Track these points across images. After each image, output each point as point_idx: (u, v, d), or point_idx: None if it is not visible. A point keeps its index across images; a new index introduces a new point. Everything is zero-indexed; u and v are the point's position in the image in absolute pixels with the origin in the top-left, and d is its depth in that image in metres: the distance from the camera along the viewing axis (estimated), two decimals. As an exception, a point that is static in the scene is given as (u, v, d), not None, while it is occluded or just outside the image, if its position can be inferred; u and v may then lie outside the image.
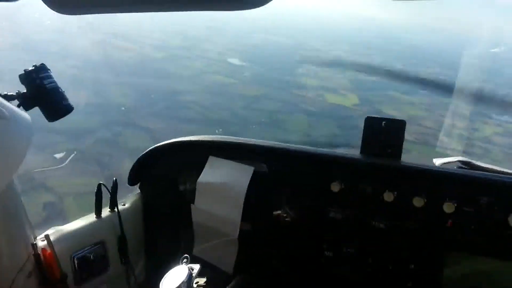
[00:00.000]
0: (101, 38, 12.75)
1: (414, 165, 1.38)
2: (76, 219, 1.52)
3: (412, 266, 1.37)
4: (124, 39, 13.03)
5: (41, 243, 1.33)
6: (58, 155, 6.42)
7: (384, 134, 1.41)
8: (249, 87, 10.55)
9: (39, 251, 1.29)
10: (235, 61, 12.31)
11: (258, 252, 1.61)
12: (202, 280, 1.15)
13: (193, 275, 1.09)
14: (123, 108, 8.55)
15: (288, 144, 1.56)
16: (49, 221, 4.77)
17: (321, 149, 1.54)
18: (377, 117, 1.42)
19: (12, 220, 1.24)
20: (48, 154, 6.41)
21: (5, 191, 1.15)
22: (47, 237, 1.32)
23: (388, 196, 1.34)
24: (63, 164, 6.18)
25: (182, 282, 1.05)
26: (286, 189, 1.52)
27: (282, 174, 1.53)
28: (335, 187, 1.40)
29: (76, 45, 11.97)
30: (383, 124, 1.41)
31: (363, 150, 1.45)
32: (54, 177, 5.97)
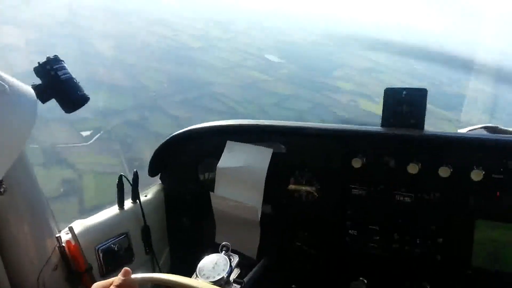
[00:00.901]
0: (142, 24, 12.93)
1: (438, 134, 1.32)
2: (98, 211, 1.52)
3: (440, 239, 1.32)
4: (164, 26, 13.15)
5: (65, 236, 1.34)
6: (84, 133, 6.50)
7: (405, 104, 1.35)
8: (283, 85, 10.44)
9: (64, 244, 1.29)
10: (272, 57, 12.20)
11: (281, 234, 1.58)
12: (236, 271, 1.06)
13: (233, 266, 1.03)
14: (153, 94, 8.61)
15: (306, 123, 1.53)
16: (65, 197, 4.86)
17: (340, 125, 1.50)
18: (397, 88, 1.37)
19: (37, 214, 1.24)
20: (75, 130, 6.51)
21: (28, 185, 1.19)
22: (71, 229, 1.33)
23: (413, 168, 1.29)
24: (88, 143, 6.26)
25: (224, 274, 0.99)
26: (306, 169, 1.49)
27: (302, 153, 1.50)
28: (357, 163, 1.36)
29: (118, 28, 12.14)
30: (403, 95, 1.35)
31: (384, 123, 1.40)
32: (77, 154, 6.05)
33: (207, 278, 0.97)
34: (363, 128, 1.42)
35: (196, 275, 0.99)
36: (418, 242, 1.35)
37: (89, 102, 1.12)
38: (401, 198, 1.35)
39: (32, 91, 0.65)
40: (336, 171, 1.43)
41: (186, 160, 1.72)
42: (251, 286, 1.27)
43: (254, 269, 1.38)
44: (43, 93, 1.03)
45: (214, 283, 0.96)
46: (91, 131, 6.59)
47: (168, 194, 1.78)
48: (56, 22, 10.63)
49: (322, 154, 1.46)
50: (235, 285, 0.99)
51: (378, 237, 1.41)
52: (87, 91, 1.11)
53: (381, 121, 1.40)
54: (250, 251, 1.56)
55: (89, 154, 6.09)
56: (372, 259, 1.44)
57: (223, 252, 1.06)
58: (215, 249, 1.62)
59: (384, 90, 1.38)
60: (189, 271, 1.08)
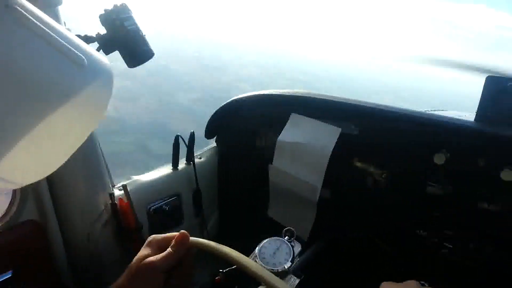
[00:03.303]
0: (230, 79, 12.99)
1: None
2: (152, 170, 1.48)
3: None
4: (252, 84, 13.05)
5: (117, 192, 1.31)
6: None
7: (509, 98, 1.14)
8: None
9: (116, 201, 1.26)
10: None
11: (338, 219, 1.46)
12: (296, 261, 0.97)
13: (295, 255, 0.93)
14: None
15: (384, 104, 1.34)
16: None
17: (427, 112, 1.31)
18: (500, 77, 1.15)
19: (91, 169, 1.21)
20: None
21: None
22: (124, 187, 1.29)
23: (507, 175, 1.08)
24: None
25: (287, 265, 0.89)
26: (377, 156, 1.33)
27: (374, 138, 1.32)
28: (439, 158, 1.17)
29: (205, 83, 12.26)
30: (508, 86, 1.14)
31: (479, 117, 1.19)
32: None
33: (267, 264, 0.89)
34: (454, 120, 1.22)
35: (256, 257, 0.91)
36: (500, 256, 1.16)
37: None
38: (485, 206, 1.15)
39: (109, 64, 0.58)
40: (412, 163, 1.26)
41: (245, 125, 1.62)
42: (302, 270, 1.18)
43: (306, 253, 1.29)
44: (107, 44, 0.96)
45: (275, 272, 0.87)
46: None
47: (222, 159, 1.72)
48: (147, 72, 10.66)
49: (399, 142, 1.28)
50: (294, 277, 0.90)
51: (449, 243, 1.24)
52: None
53: (476, 114, 1.19)
54: (302, 231, 1.46)
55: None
56: (438, 263, 1.29)
57: (286, 237, 0.96)
58: (266, 222, 1.58)
59: (486, 78, 1.17)
60: (237, 240, 1.02)
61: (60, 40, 0.50)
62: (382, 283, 0.80)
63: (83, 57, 0.52)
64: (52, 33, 0.49)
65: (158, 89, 10.06)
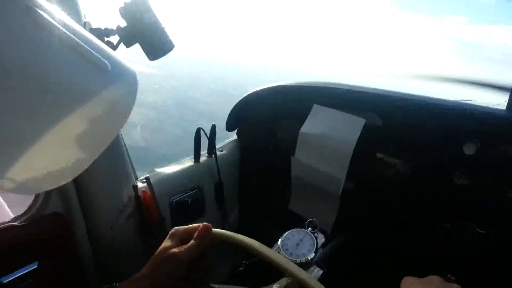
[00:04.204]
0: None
1: None
2: (175, 163, 1.48)
3: None
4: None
5: (141, 184, 1.32)
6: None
7: None
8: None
9: (140, 194, 1.27)
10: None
11: (361, 212, 1.43)
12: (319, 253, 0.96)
13: (318, 246, 0.92)
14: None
15: (410, 94, 1.30)
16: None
17: (452, 100, 1.25)
18: None
19: (115, 161, 1.22)
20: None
21: None
22: (147, 179, 1.30)
23: None
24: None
25: (310, 256, 0.89)
26: (401, 147, 1.29)
27: (399, 129, 1.28)
28: (469, 149, 1.12)
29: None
30: None
31: (511, 106, 1.13)
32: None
33: (291, 255, 0.88)
34: (483, 108, 1.17)
35: (279, 249, 0.90)
36: None
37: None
38: None
39: (133, 69, 0.57)
40: (440, 154, 1.21)
41: (266, 117, 1.60)
42: (325, 262, 1.16)
43: (329, 245, 1.27)
44: (127, 37, 0.96)
45: (298, 263, 0.85)
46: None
47: (244, 151, 1.71)
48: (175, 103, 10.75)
49: (426, 133, 1.24)
50: (318, 268, 0.88)
51: (475, 238, 1.19)
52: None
53: (508, 103, 1.13)
54: (325, 225, 1.44)
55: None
56: (463, 260, 1.24)
57: (309, 229, 0.94)
58: (288, 215, 1.56)
59: None
60: (257, 232, 1.00)
61: (82, 44, 0.50)
62: (404, 278, 0.78)
63: (104, 60, 0.51)
64: (74, 37, 0.49)
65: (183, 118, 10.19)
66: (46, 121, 0.46)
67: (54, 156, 0.50)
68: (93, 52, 0.51)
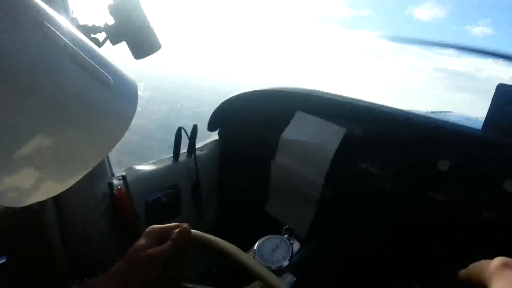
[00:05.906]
0: None
1: None
2: (153, 161, 1.47)
3: None
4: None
5: (116, 181, 1.30)
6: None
7: None
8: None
9: (115, 191, 1.26)
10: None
11: (338, 219, 1.45)
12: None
13: (293, 254, 0.92)
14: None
15: (391, 107, 1.34)
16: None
17: (432, 117, 1.29)
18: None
19: None
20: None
21: None
22: (123, 177, 1.29)
23: (511, 185, 1.08)
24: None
25: (285, 263, 0.88)
26: (381, 157, 1.33)
27: (379, 139, 1.32)
28: (444, 165, 1.17)
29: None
30: None
31: (487, 126, 1.18)
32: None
33: (265, 261, 0.88)
34: (460, 127, 1.21)
35: (255, 254, 0.90)
36: None
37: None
38: (488, 215, 1.13)
39: (134, 83, 0.57)
40: (415, 168, 1.26)
41: (249, 119, 1.61)
42: (299, 269, 1.17)
43: (304, 251, 1.28)
44: (114, 35, 0.94)
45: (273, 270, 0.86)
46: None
47: (224, 152, 1.71)
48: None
49: (403, 146, 1.28)
50: (291, 276, 0.90)
51: (453, 251, 1.21)
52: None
53: (484, 121, 1.18)
54: (300, 228, 1.47)
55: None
56: (435, 267, 1.27)
57: (286, 235, 0.95)
58: (265, 217, 1.57)
59: (497, 86, 1.16)
60: (234, 233, 1.00)
61: (88, 59, 0.49)
62: None
63: (109, 76, 0.51)
64: (80, 51, 0.48)
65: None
66: (48, 134, 0.46)
67: (54, 168, 0.50)
68: (98, 67, 0.50)
